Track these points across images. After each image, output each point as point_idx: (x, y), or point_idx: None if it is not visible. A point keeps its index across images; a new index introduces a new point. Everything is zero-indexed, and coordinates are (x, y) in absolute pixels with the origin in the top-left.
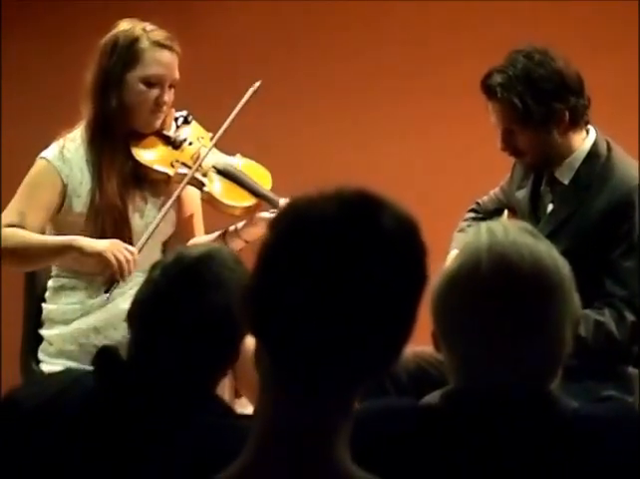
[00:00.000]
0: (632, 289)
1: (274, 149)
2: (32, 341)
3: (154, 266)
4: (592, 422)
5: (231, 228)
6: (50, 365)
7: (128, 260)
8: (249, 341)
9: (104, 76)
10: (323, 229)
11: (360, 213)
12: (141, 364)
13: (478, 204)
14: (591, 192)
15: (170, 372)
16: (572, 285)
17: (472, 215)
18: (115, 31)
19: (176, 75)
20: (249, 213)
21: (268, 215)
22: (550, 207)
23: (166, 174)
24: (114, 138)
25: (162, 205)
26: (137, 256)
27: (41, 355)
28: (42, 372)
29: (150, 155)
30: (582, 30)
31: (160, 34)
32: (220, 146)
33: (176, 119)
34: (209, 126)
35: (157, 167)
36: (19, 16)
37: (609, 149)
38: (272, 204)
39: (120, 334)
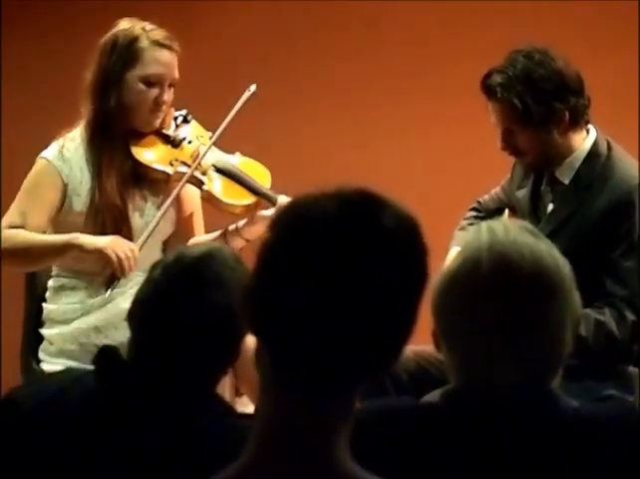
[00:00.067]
0: (632, 289)
1: (274, 148)
2: (32, 341)
3: (154, 266)
4: (593, 422)
5: (232, 226)
6: (50, 365)
7: (128, 257)
8: (250, 341)
9: (103, 75)
10: (324, 228)
11: (361, 212)
12: (141, 364)
13: (479, 202)
14: (591, 191)
15: (171, 372)
16: (573, 285)
17: (473, 213)
18: (114, 30)
19: (176, 74)
20: (249, 211)
21: (268, 213)
22: (551, 206)
23: (166, 172)
24: (113, 137)
25: (162, 204)
26: (137, 253)
27: (41, 355)
28: (42, 372)
29: (149, 154)
30: (582, 30)
31: (159, 33)
32: (220, 145)
33: (176, 118)
34: (209, 125)
35: (156, 166)
36: (19, 16)
37: (609, 148)
38: (272, 202)
39: (120, 334)
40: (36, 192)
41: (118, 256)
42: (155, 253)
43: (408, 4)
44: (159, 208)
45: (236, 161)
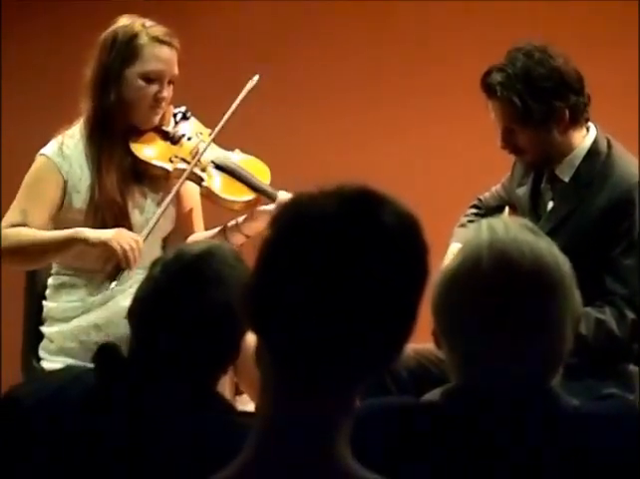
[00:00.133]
0: (633, 287)
1: (273, 146)
2: (33, 339)
3: (154, 263)
4: (593, 420)
5: (231, 222)
6: (50, 363)
7: (133, 248)
8: (250, 338)
9: (103, 71)
10: (324, 225)
11: (361, 209)
12: (141, 361)
13: (479, 200)
14: (592, 189)
15: (171, 369)
16: (573, 283)
17: (473, 210)
18: (114, 27)
19: (176, 71)
20: (249, 207)
21: (268, 208)
22: (551, 204)
23: (165, 169)
24: (113, 133)
25: (162, 200)
26: (142, 244)
27: (42, 353)
28: (43, 369)
29: (148, 150)
30: (582, 28)
31: (159, 30)
32: (219, 142)
33: (175, 115)
34: (207, 123)
35: (155, 162)
36: (19, 15)
37: (609, 146)
38: (271, 198)
39: (120, 332)
40: (36, 189)
41: (123, 248)
42: (154, 251)
43: (408, 4)
44: (158, 204)
45: (236, 157)
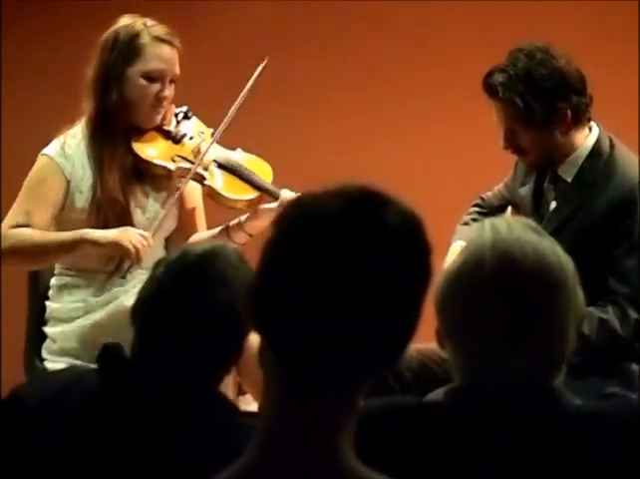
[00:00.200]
0: (635, 287)
1: (273, 145)
2: (36, 339)
3: (157, 264)
4: (596, 419)
5: (234, 221)
6: (53, 363)
7: (144, 246)
8: (253, 339)
9: (105, 71)
10: (327, 225)
11: (364, 210)
12: (144, 362)
13: (482, 198)
14: (594, 189)
15: (174, 370)
16: (576, 282)
17: (476, 209)
18: (115, 26)
19: (177, 70)
20: (252, 206)
21: (271, 207)
22: (553, 204)
23: (168, 168)
24: (115, 133)
25: (164, 200)
26: (150, 240)
27: (44, 353)
28: (45, 370)
29: (150, 149)
30: (582, 29)
31: (160, 29)
32: (220, 141)
33: (177, 114)
34: (209, 123)
35: (157, 161)
36: (19, 15)
37: (612, 146)
38: (274, 196)
39: (123, 332)
40: (39, 189)
41: (135, 246)
42: (157, 250)
43: (408, 4)
44: (161, 204)
45: (238, 156)
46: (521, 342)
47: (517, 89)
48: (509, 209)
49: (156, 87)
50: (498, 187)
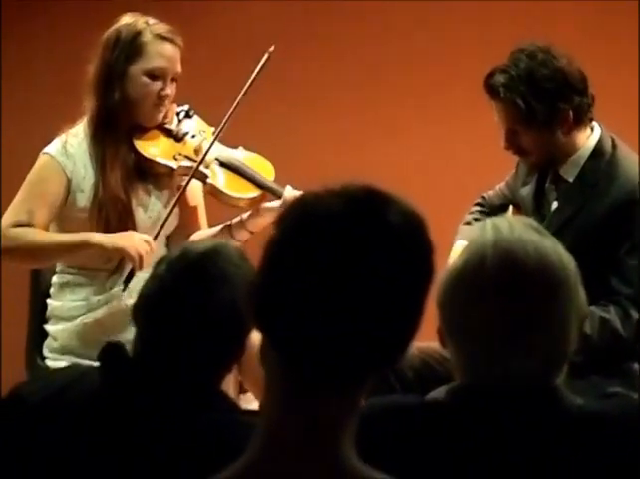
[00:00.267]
0: (637, 287)
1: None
2: (37, 338)
3: (159, 262)
4: (597, 418)
5: (236, 219)
6: (55, 361)
7: (147, 252)
8: (255, 337)
9: (106, 69)
10: (329, 224)
11: (366, 208)
12: (146, 360)
13: (483, 197)
14: (596, 189)
15: (176, 368)
16: (578, 282)
17: (477, 208)
18: (117, 25)
19: (179, 68)
20: (254, 203)
21: (274, 205)
22: (555, 204)
23: (170, 166)
24: (116, 131)
25: (166, 198)
26: (154, 246)
27: (46, 351)
28: (47, 368)
29: (153, 148)
30: (582, 28)
31: (162, 27)
32: (222, 140)
33: (178, 113)
34: (210, 122)
35: (160, 159)
36: (19, 15)
37: (614, 146)
38: (277, 194)
39: (125, 331)
40: (40, 188)
41: (138, 254)
42: (159, 249)
43: (408, 4)
44: (163, 202)
45: (240, 154)
46: (523, 342)
47: (519, 89)
48: (511, 208)
49: (158, 85)
50: (500, 185)
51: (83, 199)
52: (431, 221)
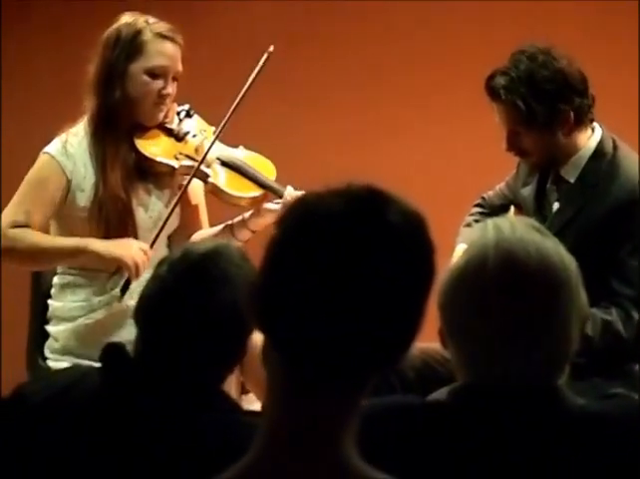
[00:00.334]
0: (639, 288)
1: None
2: (38, 338)
3: (160, 263)
4: (598, 419)
5: (238, 219)
6: (56, 362)
7: (143, 261)
8: (257, 337)
9: (107, 68)
10: (331, 224)
11: (368, 209)
12: (147, 361)
13: (483, 198)
14: (597, 190)
15: (177, 369)
16: (579, 282)
17: (477, 209)
18: (117, 24)
19: (179, 67)
20: (255, 203)
21: (274, 206)
22: (556, 205)
23: (171, 166)
24: (117, 130)
25: (167, 197)
26: (150, 253)
27: (47, 352)
28: (48, 369)
29: (154, 147)
30: (582, 28)
31: (162, 26)
32: (223, 139)
33: (179, 113)
34: (210, 122)
35: (161, 159)
36: (19, 15)
37: (615, 147)
38: (278, 194)
39: (126, 331)
40: (39, 188)
41: (135, 263)
42: (160, 249)
43: (408, 4)
44: (164, 202)
45: (241, 154)
46: (524, 342)
47: (520, 91)
48: (512, 208)
49: (159, 84)
50: (500, 186)
51: (83, 198)
52: (432, 221)
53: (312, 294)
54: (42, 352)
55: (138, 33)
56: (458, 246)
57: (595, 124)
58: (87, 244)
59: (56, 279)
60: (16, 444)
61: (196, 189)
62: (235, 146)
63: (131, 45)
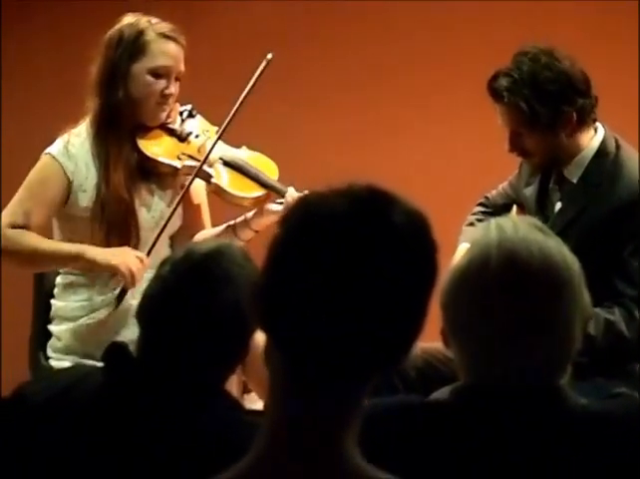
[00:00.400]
0: None
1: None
2: (41, 337)
3: (163, 263)
4: (601, 418)
5: (240, 218)
6: (59, 361)
7: (139, 269)
8: (259, 337)
9: (110, 68)
10: (333, 224)
11: (371, 209)
12: (150, 360)
13: (486, 198)
14: (600, 190)
15: (179, 368)
16: (582, 282)
17: (480, 209)
18: (119, 25)
19: (182, 67)
20: (258, 203)
21: (277, 207)
22: (558, 205)
23: (174, 166)
24: (120, 130)
25: (169, 198)
26: (147, 262)
27: (49, 351)
28: (51, 368)
29: (156, 147)
30: (582, 28)
31: (165, 26)
32: (224, 139)
33: (181, 113)
34: (213, 122)
35: (163, 159)
36: (19, 15)
37: (618, 147)
38: (281, 194)
39: (129, 331)
40: (39, 189)
41: (131, 272)
42: (162, 249)
43: (408, 4)
44: (166, 202)
45: (243, 154)
46: (527, 341)
47: (522, 93)
48: (515, 208)
49: (161, 84)
50: (503, 185)
51: (86, 199)
52: (434, 220)
53: (315, 294)
54: (45, 352)
55: (140, 33)
56: (460, 246)
57: (598, 124)
58: (84, 252)
59: (59, 279)
60: (17, 444)
61: (199, 189)
62: (238, 146)
63: (133, 45)
